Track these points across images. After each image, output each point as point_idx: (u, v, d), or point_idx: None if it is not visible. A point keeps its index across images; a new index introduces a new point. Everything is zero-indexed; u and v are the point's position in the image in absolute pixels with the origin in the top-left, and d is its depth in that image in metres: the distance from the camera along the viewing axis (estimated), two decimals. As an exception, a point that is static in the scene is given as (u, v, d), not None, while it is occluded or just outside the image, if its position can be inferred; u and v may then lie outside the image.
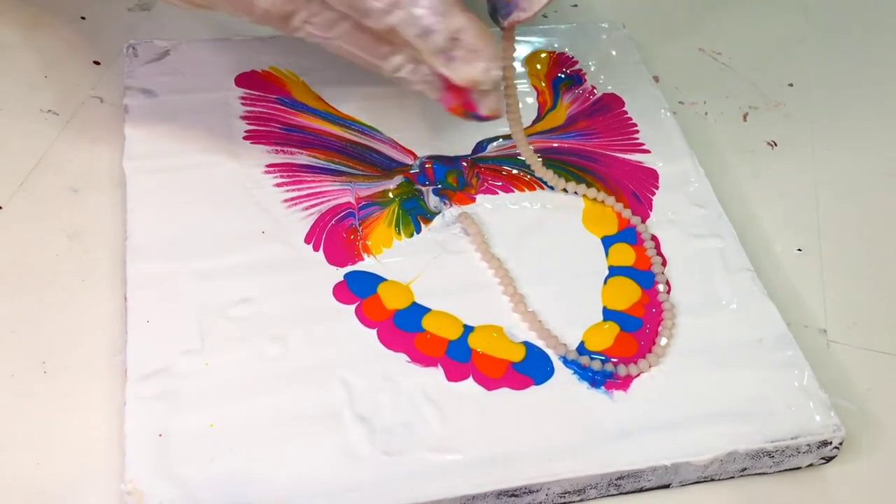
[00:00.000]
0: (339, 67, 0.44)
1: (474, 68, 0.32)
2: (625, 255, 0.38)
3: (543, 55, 0.47)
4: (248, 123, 0.41)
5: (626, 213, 0.39)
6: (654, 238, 0.39)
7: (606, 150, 0.43)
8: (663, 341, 0.35)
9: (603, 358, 0.34)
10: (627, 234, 0.39)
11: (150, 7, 0.49)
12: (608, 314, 0.36)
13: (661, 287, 0.37)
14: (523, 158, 0.40)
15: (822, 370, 0.36)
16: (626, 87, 0.46)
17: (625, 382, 0.34)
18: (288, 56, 0.44)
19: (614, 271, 0.38)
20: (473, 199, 0.40)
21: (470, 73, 0.32)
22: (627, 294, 0.37)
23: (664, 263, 0.38)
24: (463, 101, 0.34)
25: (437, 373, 0.33)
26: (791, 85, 0.50)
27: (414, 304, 0.35)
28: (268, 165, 0.39)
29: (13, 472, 0.31)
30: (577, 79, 0.46)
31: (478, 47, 0.32)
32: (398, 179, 0.40)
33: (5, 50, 0.45)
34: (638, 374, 0.34)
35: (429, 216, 0.39)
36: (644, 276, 0.37)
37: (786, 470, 0.34)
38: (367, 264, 0.36)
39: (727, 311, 0.37)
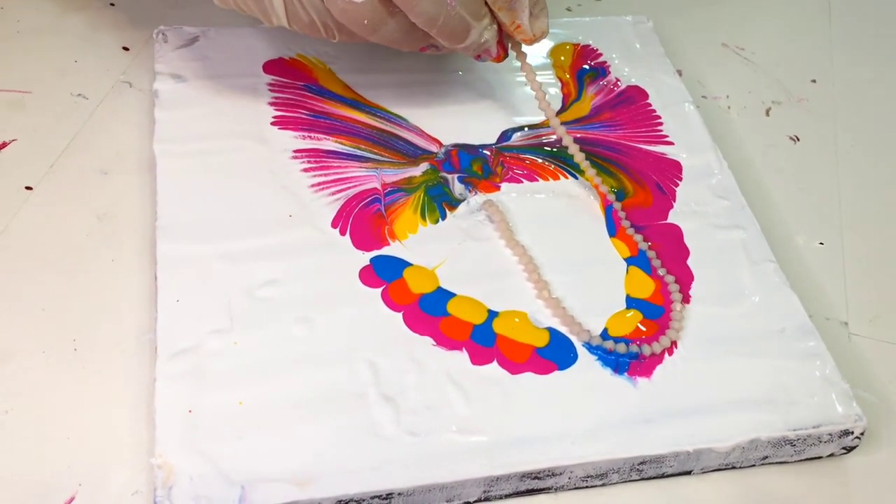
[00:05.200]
0: (365, 56, 0.45)
1: (545, 22, 0.39)
2: (621, 247, 0.38)
3: (568, 47, 0.47)
4: (276, 109, 0.41)
5: (604, 189, 0.40)
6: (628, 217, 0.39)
7: (630, 142, 0.43)
8: (677, 307, 0.36)
9: (627, 341, 0.35)
10: (611, 227, 0.39)
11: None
12: (631, 302, 0.36)
13: (655, 263, 0.37)
14: (557, 137, 0.41)
15: (844, 362, 0.36)
16: (650, 80, 0.46)
17: (648, 369, 0.34)
18: (315, 44, 0.45)
19: (628, 262, 0.38)
20: (498, 187, 0.40)
21: (544, 26, 0.39)
22: (647, 282, 0.37)
23: (650, 242, 0.38)
24: (505, 50, 0.40)
25: (462, 356, 0.34)
26: (814, 81, 0.50)
27: (439, 288, 0.36)
28: (295, 151, 0.40)
29: (43, 446, 0.31)
30: (601, 71, 0.46)
31: (546, 5, 0.39)
32: (424, 166, 0.40)
33: (36, 34, 0.45)
34: (662, 352, 0.34)
35: (454, 203, 0.39)
36: (642, 261, 0.38)
37: (806, 459, 0.34)
38: (392, 249, 0.37)
39: (749, 301, 0.37)
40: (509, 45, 0.40)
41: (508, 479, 0.31)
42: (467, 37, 0.38)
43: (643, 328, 0.35)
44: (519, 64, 0.40)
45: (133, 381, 0.33)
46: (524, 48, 0.40)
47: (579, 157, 0.40)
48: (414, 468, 0.31)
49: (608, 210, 0.39)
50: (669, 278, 0.37)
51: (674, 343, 0.35)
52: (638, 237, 0.38)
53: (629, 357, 0.34)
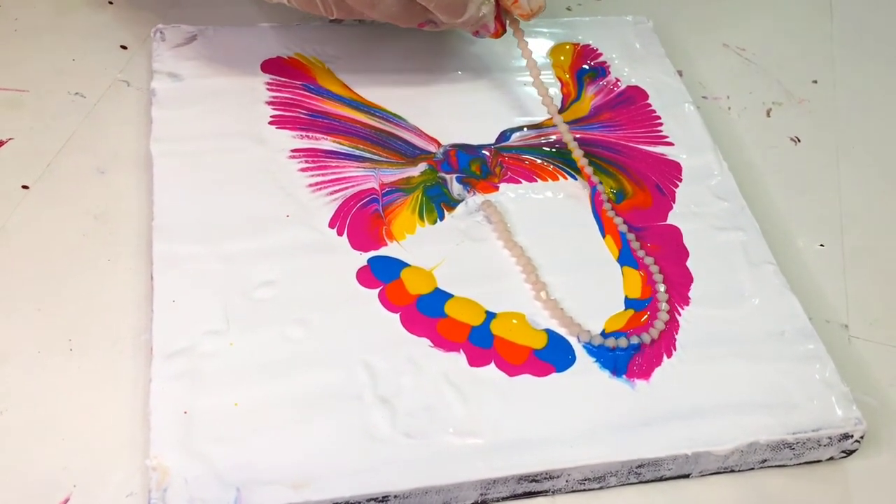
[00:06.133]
0: (364, 55, 0.45)
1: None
2: (612, 248, 0.38)
3: (568, 47, 0.47)
4: (274, 109, 0.41)
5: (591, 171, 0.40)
6: (609, 201, 0.39)
7: (630, 142, 0.43)
8: (661, 288, 0.36)
9: (624, 334, 0.35)
10: (599, 224, 0.39)
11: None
12: (630, 303, 0.36)
13: (634, 245, 0.38)
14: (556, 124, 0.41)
15: (844, 365, 0.36)
16: (650, 81, 0.46)
17: (646, 371, 0.34)
18: (314, 43, 0.45)
19: (620, 262, 0.38)
20: (496, 188, 0.40)
21: (541, 1, 0.40)
22: (637, 279, 0.37)
23: (628, 226, 0.38)
24: (503, 26, 0.41)
25: (460, 358, 0.33)
26: (815, 82, 0.50)
27: (437, 289, 0.36)
28: (293, 150, 0.40)
29: (38, 447, 0.31)
30: (601, 71, 0.46)
31: None
32: (422, 167, 0.40)
33: (34, 33, 0.45)
34: (659, 338, 0.35)
35: (452, 203, 0.39)
36: (626, 254, 0.38)
37: (806, 463, 0.34)
38: (390, 249, 0.37)
39: (749, 303, 0.37)
40: (507, 21, 0.41)
41: (505, 482, 0.31)
42: (465, 11, 0.38)
43: (638, 320, 0.36)
44: (520, 63, 0.40)
45: (128, 382, 0.33)
46: (521, 24, 0.41)
47: (568, 137, 0.40)
48: (410, 470, 0.30)
49: (593, 191, 0.39)
50: (649, 260, 0.37)
51: (673, 338, 0.35)
52: (618, 219, 0.38)
53: (632, 349, 0.34)
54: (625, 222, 0.39)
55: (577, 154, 0.40)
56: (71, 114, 0.42)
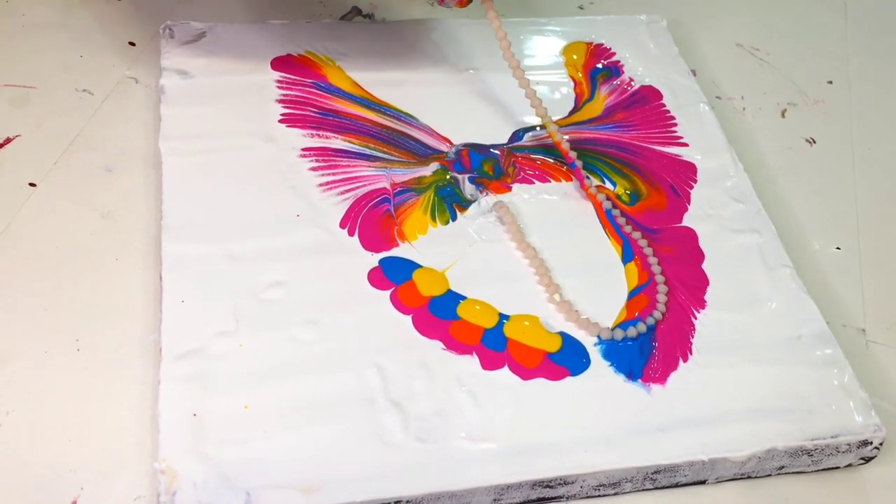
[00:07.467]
0: (374, 53, 0.44)
1: None
2: (618, 246, 0.38)
3: (581, 46, 0.47)
4: (284, 107, 0.41)
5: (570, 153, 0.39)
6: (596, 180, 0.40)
7: (644, 143, 0.42)
8: (652, 260, 0.36)
9: (637, 320, 0.35)
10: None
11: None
12: (631, 295, 0.36)
13: (620, 221, 0.38)
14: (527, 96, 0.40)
15: (862, 370, 0.35)
16: (664, 80, 0.45)
17: (662, 376, 0.33)
18: (324, 41, 0.44)
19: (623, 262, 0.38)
20: (509, 188, 0.39)
21: None
22: (634, 271, 0.37)
23: (612, 201, 0.38)
24: None
25: (473, 361, 0.33)
26: (830, 82, 0.50)
27: (449, 291, 0.35)
28: (303, 149, 0.39)
29: (45, 449, 0.30)
30: (614, 70, 0.46)
31: None
32: (434, 166, 0.40)
33: (42, 29, 0.45)
34: (663, 316, 0.35)
35: (464, 204, 0.38)
36: (626, 249, 0.37)
37: (824, 469, 0.33)
38: (402, 250, 0.36)
39: (766, 307, 0.36)
40: None
41: (519, 488, 0.30)
42: None
43: (640, 303, 0.36)
44: (532, 62, 0.40)
45: (137, 384, 0.32)
46: None
47: (541, 112, 0.40)
48: (422, 475, 0.30)
49: (572, 166, 0.39)
50: (635, 235, 0.37)
51: (689, 342, 0.35)
52: (601, 196, 0.38)
53: (650, 330, 0.34)
54: (608, 199, 0.38)
55: (553, 129, 0.40)
56: (78, 111, 0.41)
